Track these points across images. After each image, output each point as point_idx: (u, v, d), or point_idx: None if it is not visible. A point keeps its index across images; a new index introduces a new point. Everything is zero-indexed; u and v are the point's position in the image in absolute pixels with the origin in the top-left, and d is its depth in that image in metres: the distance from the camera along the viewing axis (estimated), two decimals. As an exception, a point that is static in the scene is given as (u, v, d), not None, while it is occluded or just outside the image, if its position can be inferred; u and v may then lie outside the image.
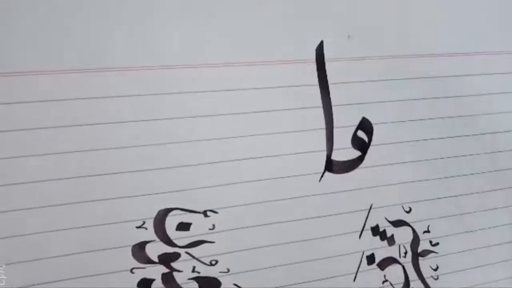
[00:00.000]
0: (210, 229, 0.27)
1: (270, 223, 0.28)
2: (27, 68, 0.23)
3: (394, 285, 0.32)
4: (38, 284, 0.25)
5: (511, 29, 0.33)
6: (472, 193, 0.34)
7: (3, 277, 0.24)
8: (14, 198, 0.24)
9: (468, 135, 0.33)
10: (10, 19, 0.23)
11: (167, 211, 0.26)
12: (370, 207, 0.31)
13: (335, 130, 0.29)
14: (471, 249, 0.34)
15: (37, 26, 0.23)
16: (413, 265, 0.32)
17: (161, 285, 0.27)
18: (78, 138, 0.24)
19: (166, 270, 0.27)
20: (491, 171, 0.34)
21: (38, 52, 0.23)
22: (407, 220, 0.32)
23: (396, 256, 0.32)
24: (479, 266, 0.35)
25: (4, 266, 0.24)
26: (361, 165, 0.30)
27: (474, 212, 0.34)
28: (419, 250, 0.32)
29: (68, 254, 0.25)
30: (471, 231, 0.34)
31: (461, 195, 0.33)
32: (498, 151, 0.34)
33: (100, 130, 0.25)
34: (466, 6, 0.32)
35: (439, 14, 0.31)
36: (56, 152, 0.24)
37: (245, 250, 0.28)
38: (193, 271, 0.27)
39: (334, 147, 0.29)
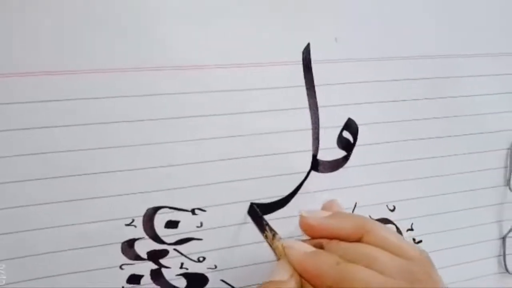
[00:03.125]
0: (198, 226, 0.28)
1: (256, 221, 0.29)
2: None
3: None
4: (29, 280, 0.25)
5: (496, 31, 0.34)
6: (455, 192, 0.35)
7: (3, 277, 0.25)
8: (6, 197, 0.24)
9: (451, 136, 0.33)
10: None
11: (155, 209, 0.27)
12: (355, 206, 0.32)
13: (321, 131, 0.30)
14: (454, 247, 0.35)
15: None
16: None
17: (150, 281, 0.28)
18: (67, 138, 0.25)
19: (155, 267, 0.28)
20: (474, 171, 0.35)
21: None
22: (391, 218, 0.33)
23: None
24: (462, 263, 0.36)
25: (4, 266, 0.25)
26: (346, 165, 0.31)
27: (457, 210, 0.35)
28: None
29: (59, 251, 0.26)
30: (454, 229, 0.35)
31: (444, 194, 0.34)
32: (483, 151, 0.35)
33: (89, 130, 0.25)
34: (452, 8, 0.32)
35: (425, 16, 0.32)
36: (46, 151, 0.25)
37: (232, 247, 0.29)
38: (181, 267, 0.28)
39: (320, 147, 0.30)
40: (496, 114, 0.35)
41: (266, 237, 0.26)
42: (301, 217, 0.25)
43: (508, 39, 0.34)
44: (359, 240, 0.23)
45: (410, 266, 0.22)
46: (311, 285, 0.22)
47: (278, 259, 0.24)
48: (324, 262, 0.22)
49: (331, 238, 0.24)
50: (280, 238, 0.25)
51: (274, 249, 0.25)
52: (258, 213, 0.28)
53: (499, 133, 0.35)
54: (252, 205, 0.28)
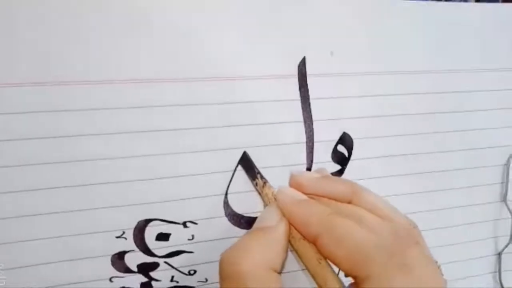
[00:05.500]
0: (189, 239, 0.28)
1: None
2: None
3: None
4: (18, 292, 0.25)
5: (491, 47, 0.34)
6: (451, 208, 0.34)
7: (3, 277, 0.25)
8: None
9: (446, 151, 0.33)
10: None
11: (147, 221, 0.27)
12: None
13: (315, 144, 0.30)
14: (449, 262, 0.35)
15: None
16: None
17: (140, 294, 0.27)
18: (57, 149, 0.25)
19: (145, 279, 0.27)
20: (469, 187, 0.35)
21: None
22: (386, 233, 0.33)
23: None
24: (457, 279, 0.36)
25: (3, 265, 0.25)
26: (341, 179, 0.31)
27: (452, 226, 0.35)
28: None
29: (47, 263, 0.25)
30: (449, 245, 0.35)
31: (439, 209, 0.34)
32: (479, 167, 0.35)
33: (80, 142, 0.25)
34: (449, 23, 0.32)
35: (421, 32, 0.32)
36: (35, 163, 0.25)
37: (224, 260, 0.29)
38: (172, 280, 0.28)
39: (314, 160, 0.30)
40: (492, 129, 0.34)
41: (256, 184, 0.26)
42: (292, 176, 0.24)
43: (504, 54, 0.34)
44: (348, 203, 0.23)
45: (398, 230, 0.21)
46: (298, 231, 0.22)
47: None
48: (315, 211, 0.22)
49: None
50: (271, 186, 0.25)
51: (263, 197, 0.25)
52: (251, 160, 0.28)
53: (495, 149, 0.35)
54: (245, 153, 0.28)
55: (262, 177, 0.26)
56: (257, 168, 0.27)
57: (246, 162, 0.28)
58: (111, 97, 0.25)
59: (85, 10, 0.24)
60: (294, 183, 0.24)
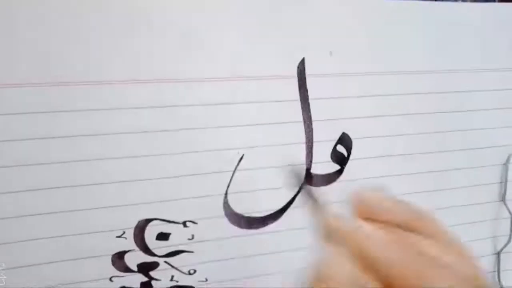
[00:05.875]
0: (189, 239, 0.28)
1: (249, 235, 0.29)
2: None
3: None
4: (19, 291, 0.25)
5: (491, 47, 0.34)
6: (450, 207, 0.34)
7: (4, 277, 0.25)
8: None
9: (446, 151, 0.33)
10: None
11: (147, 221, 0.27)
12: (348, 220, 0.31)
13: (314, 144, 0.30)
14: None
15: None
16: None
17: (140, 293, 0.27)
18: (58, 150, 0.25)
19: (145, 279, 0.27)
20: (469, 186, 0.35)
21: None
22: (385, 233, 0.33)
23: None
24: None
25: (4, 265, 0.25)
26: (340, 179, 0.31)
27: (452, 226, 0.35)
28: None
29: (48, 262, 0.25)
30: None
31: (439, 209, 0.34)
32: (478, 166, 0.35)
33: (80, 142, 0.25)
34: (449, 23, 0.32)
35: (421, 32, 0.32)
36: (37, 163, 0.25)
37: (223, 260, 0.29)
38: (172, 279, 0.28)
39: (314, 160, 0.30)
40: (492, 129, 0.34)
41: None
42: (356, 194, 0.19)
43: (504, 54, 0.34)
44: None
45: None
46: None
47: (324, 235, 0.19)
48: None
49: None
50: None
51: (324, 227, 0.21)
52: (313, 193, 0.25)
53: (494, 149, 0.35)
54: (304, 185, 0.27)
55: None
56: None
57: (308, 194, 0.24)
58: (111, 97, 0.25)
59: (85, 10, 0.24)
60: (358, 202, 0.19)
